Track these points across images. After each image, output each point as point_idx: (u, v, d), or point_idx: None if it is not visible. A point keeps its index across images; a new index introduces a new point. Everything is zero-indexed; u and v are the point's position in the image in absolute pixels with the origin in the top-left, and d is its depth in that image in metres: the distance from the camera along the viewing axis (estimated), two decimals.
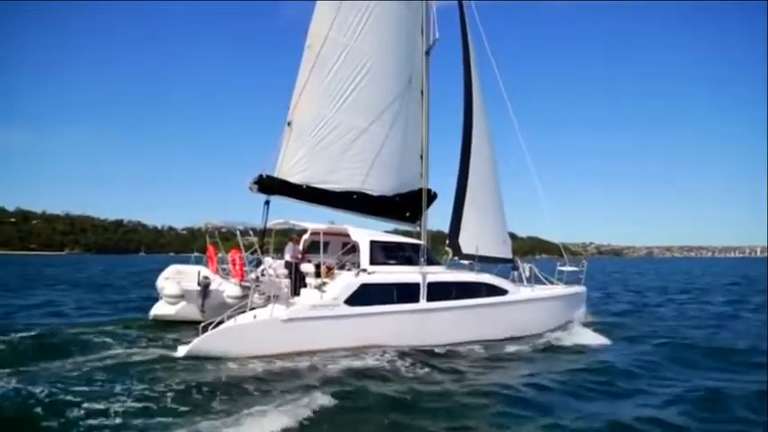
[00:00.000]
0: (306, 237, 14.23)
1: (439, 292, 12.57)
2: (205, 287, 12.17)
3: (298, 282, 11.90)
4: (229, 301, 11.64)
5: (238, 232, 11.16)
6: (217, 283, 12.88)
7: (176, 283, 12.26)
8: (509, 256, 15.91)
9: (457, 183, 15.20)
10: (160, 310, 13.46)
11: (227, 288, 11.93)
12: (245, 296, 11.49)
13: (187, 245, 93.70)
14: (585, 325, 15.00)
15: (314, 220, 13.85)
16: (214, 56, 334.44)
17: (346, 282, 11.53)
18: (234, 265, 12.22)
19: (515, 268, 15.59)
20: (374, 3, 14.38)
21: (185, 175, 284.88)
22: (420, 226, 15.12)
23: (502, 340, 13.01)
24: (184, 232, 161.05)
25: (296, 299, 11.27)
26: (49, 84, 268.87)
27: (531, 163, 16.26)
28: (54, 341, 11.17)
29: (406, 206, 14.91)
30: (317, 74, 13.66)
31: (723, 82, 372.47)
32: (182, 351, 10.06)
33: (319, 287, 11.32)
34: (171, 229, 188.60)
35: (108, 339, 11.50)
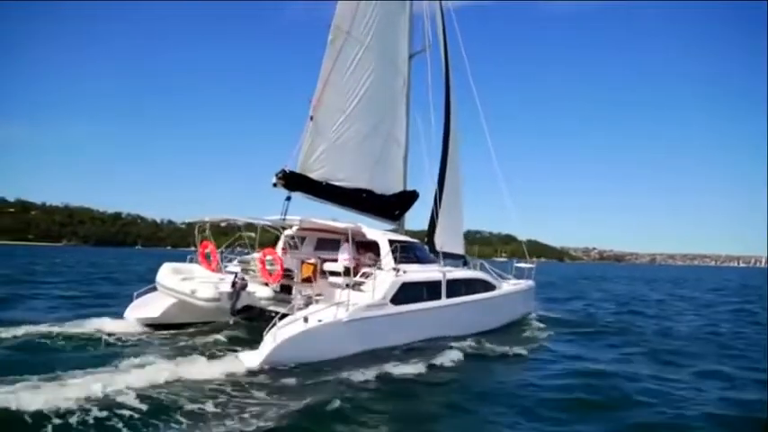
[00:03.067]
0: (289, 232, 13.79)
1: (454, 288, 13.34)
2: (243, 288, 10.83)
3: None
4: (262, 303, 11.06)
5: (281, 229, 11.62)
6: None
7: (213, 285, 10.75)
8: (462, 253, 16.97)
9: (437, 187, 15.93)
10: (143, 313, 12.39)
11: (259, 290, 11.00)
12: (274, 298, 11.08)
13: (185, 239, 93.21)
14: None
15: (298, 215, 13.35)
16: (217, 51, 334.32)
17: (390, 281, 11.59)
18: (264, 265, 11.42)
19: (465, 263, 16.42)
20: (383, 2, 14.80)
21: (187, 171, 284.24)
22: (401, 224, 15.76)
23: (492, 330, 14.33)
24: (183, 226, 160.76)
25: (346, 300, 10.73)
26: (51, 76, 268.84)
27: (498, 168, 17.55)
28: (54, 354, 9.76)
29: (397, 205, 15.45)
30: (339, 70, 13.92)
31: (732, 87, 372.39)
32: (252, 362, 9.03)
33: (355, 286, 11.37)
34: (170, 222, 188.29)
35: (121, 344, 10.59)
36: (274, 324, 9.54)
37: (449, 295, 13.02)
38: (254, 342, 9.89)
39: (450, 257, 15.81)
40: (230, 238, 14.06)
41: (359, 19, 14.15)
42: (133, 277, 29.83)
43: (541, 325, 15.94)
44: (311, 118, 13.56)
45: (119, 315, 12.57)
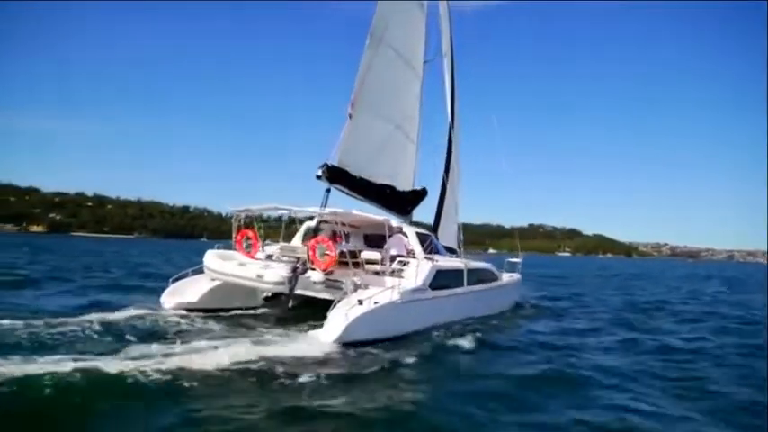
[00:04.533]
0: (312, 223, 14.52)
1: (473, 277, 14.74)
2: (303, 273, 11.58)
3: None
4: (316, 287, 11.85)
5: (340, 225, 12.86)
6: None
7: (278, 270, 11.33)
8: (455, 246, 17.86)
9: (441, 186, 17.58)
10: (181, 298, 12.74)
11: (313, 275, 11.75)
12: (324, 283, 11.84)
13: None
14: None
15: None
16: (277, 48, 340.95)
17: (428, 269, 12.65)
18: (314, 252, 11.96)
19: (457, 256, 17.30)
20: (408, 12, 15.99)
21: (252, 165, 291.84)
22: (409, 218, 16.74)
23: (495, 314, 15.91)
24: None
25: (395, 284, 11.68)
26: (122, 72, 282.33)
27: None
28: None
29: (411, 201, 16.60)
30: (372, 73, 14.82)
31: None
32: (328, 338, 9.78)
33: (393, 273, 12.45)
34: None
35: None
36: (334, 306, 10.49)
37: (468, 283, 14.38)
38: (299, 323, 11.42)
39: (448, 250, 16.82)
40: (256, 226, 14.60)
41: (391, 27, 15.21)
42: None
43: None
44: (350, 116, 14.49)
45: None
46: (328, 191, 13.92)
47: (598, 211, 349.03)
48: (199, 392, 6.87)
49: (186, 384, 7.02)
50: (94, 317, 10.91)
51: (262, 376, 7.67)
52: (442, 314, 12.92)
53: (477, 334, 11.89)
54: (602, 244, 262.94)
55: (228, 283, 12.45)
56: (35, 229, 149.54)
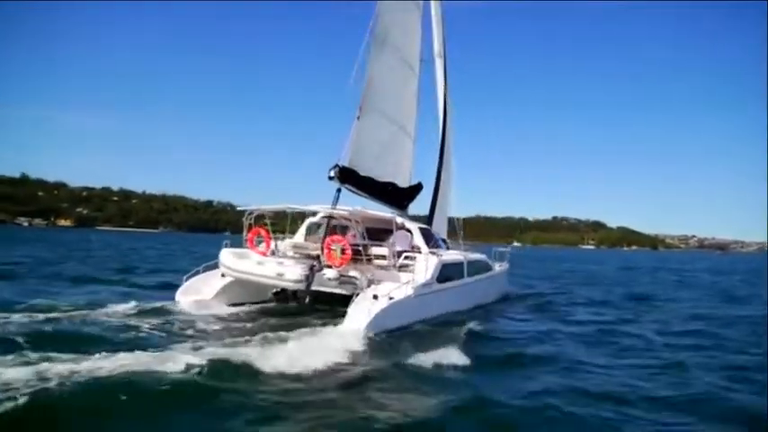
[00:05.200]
0: (314, 219, 15.15)
1: (471, 268, 15.59)
2: (319, 270, 12.11)
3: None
4: (330, 283, 12.27)
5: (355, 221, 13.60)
6: None
7: (298, 268, 11.73)
8: (445, 238, 18.45)
9: (435, 181, 18.37)
10: (196, 295, 13.02)
11: (328, 272, 12.23)
12: (338, 280, 12.27)
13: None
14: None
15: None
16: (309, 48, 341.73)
17: (435, 263, 13.24)
18: (330, 250, 12.44)
19: (447, 248, 17.51)
20: (408, 13, 16.44)
21: (277, 161, 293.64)
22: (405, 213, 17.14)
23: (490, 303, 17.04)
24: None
25: (408, 279, 12.27)
26: (146, 70, 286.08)
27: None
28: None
29: (408, 196, 17.11)
30: (378, 75, 15.15)
31: None
32: (354, 331, 10.22)
33: (401, 268, 13.11)
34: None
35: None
36: (353, 301, 11.14)
37: (468, 274, 15.23)
38: (315, 317, 11.99)
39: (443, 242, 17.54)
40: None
41: (391, 28, 15.53)
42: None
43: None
44: (358, 118, 14.80)
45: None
46: (339, 190, 14.27)
47: (623, 203, 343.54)
48: (234, 387, 6.93)
49: (218, 380, 7.05)
50: (118, 309, 11.60)
51: (292, 370, 7.77)
52: (448, 304, 13.75)
53: (478, 322, 12.92)
54: (627, 236, 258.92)
55: (241, 280, 12.75)
56: (62, 223, 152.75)
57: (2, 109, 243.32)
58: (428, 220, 17.77)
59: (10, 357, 7.25)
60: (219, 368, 7.36)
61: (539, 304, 18.43)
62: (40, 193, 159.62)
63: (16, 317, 10.13)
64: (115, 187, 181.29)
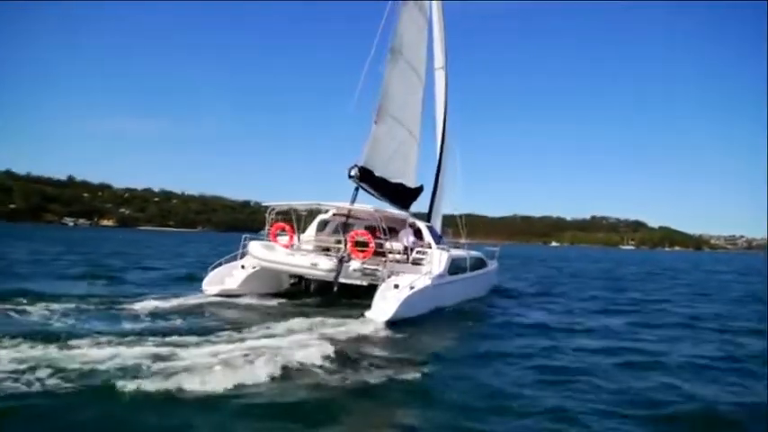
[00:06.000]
0: (325, 216, 16.30)
1: (472, 264, 17.01)
2: (347, 261, 13.03)
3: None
4: (354, 274, 13.16)
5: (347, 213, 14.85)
6: None
7: (329, 259, 12.90)
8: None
9: (434, 182, 19.52)
10: (222, 285, 13.98)
11: (353, 263, 13.20)
12: (361, 271, 13.24)
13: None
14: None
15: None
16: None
17: (446, 257, 14.43)
18: (353, 243, 13.51)
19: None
20: (418, 27, 17.55)
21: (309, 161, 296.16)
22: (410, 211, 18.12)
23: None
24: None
25: (426, 271, 13.53)
26: (188, 76, 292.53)
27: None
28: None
29: (412, 196, 18.13)
30: (393, 83, 16.20)
31: None
32: (382, 318, 11.13)
33: (416, 263, 14.17)
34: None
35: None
36: (379, 291, 12.07)
37: (470, 269, 16.57)
38: (340, 306, 12.92)
39: None
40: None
41: (407, 43, 16.68)
42: None
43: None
44: (375, 122, 15.82)
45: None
46: (357, 189, 15.29)
47: (665, 202, 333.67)
48: (274, 372, 7.19)
49: (256, 364, 7.32)
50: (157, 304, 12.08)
51: (330, 354, 8.20)
52: (455, 295, 14.96)
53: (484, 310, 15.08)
54: (669, 236, 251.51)
55: (262, 271, 13.94)
56: (105, 223, 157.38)
57: (51, 114, 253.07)
58: (427, 217, 18.73)
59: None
60: (262, 353, 7.77)
61: (521, 297, 19.74)
62: (85, 195, 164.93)
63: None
64: (156, 188, 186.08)
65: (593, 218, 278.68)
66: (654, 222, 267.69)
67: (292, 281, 15.21)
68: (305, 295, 14.74)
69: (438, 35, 19.09)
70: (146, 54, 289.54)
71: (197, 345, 8.23)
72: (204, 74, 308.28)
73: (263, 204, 15.64)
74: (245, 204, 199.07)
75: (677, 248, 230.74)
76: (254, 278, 14.24)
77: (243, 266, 14.36)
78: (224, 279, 14.25)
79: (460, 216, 20.14)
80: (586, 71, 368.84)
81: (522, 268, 38.81)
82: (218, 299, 13.34)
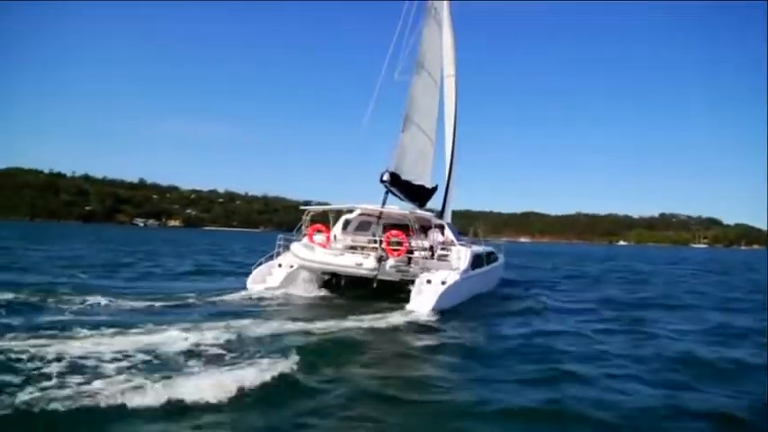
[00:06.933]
0: (349, 217, 17.48)
1: (488, 258, 18.39)
2: (385, 260, 14.02)
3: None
4: (390, 271, 14.13)
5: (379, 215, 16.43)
6: None
7: (372, 258, 13.79)
8: None
9: (446, 183, 20.46)
10: (265, 283, 15.17)
11: (390, 261, 14.19)
12: (396, 268, 14.39)
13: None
14: None
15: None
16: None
17: (469, 253, 15.73)
18: (388, 243, 14.48)
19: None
20: (436, 40, 18.73)
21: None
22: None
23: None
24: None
25: (447, 266, 14.94)
26: (257, 78, 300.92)
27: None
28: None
29: (429, 196, 19.19)
30: (418, 94, 17.45)
31: None
32: (424, 309, 12.50)
33: (441, 259, 15.47)
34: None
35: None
36: (416, 285, 13.43)
37: (487, 263, 17.92)
38: (372, 300, 13.82)
39: None
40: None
41: (429, 56, 17.94)
42: None
43: None
44: (402, 131, 17.12)
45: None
46: (387, 192, 16.48)
47: (742, 198, 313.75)
48: (335, 359, 8.09)
49: (312, 352, 8.25)
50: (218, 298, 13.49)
51: (375, 343, 9.44)
52: (476, 288, 16.16)
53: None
54: (747, 234, 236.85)
55: (298, 269, 15.08)
56: (172, 223, 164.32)
57: (125, 122, 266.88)
58: (440, 215, 19.54)
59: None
60: (326, 345, 8.86)
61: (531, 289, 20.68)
62: (154, 196, 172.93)
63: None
64: (221, 189, 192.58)
65: (662, 215, 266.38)
66: (730, 220, 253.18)
67: (326, 278, 15.94)
68: (339, 290, 15.63)
69: (448, 45, 20.00)
70: (210, 60, 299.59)
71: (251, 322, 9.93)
72: (276, 74, 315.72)
73: (301, 207, 16.84)
74: (307, 204, 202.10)
75: (755, 246, 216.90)
76: (292, 276, 15.35)
77: (280, 265, 15.55)
78: (265, 277, 15.48)
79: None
80: (660, 66, 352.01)
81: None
82: (262, 294, 14.27)
